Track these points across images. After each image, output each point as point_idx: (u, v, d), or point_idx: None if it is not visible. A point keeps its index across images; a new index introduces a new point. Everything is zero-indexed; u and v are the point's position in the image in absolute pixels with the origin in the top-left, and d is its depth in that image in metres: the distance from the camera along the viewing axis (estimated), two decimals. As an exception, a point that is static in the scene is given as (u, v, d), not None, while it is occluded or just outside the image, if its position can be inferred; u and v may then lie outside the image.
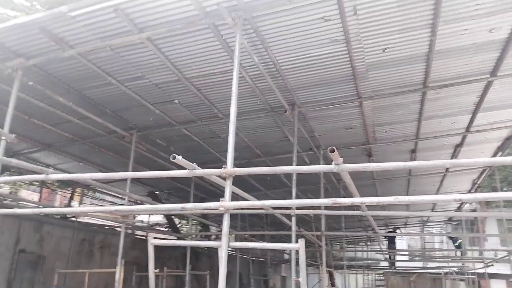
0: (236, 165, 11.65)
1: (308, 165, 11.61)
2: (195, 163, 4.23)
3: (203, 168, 4.47)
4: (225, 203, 4.00)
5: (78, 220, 13.84)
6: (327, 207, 9.49)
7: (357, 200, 3.57)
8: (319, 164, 9.90)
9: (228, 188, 4.14)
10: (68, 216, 13.24)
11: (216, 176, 4.43)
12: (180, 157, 3.93)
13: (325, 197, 10.63)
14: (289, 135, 9.15)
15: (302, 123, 8.88)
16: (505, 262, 14.49)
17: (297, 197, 14.87)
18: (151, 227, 17.79)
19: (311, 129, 9.29)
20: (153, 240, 4.42)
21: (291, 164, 7.83)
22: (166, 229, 16.92)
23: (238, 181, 12.56)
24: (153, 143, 9.76)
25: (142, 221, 18.61)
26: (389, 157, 11.44)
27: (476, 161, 4.32)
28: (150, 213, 15.82)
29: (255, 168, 4.23)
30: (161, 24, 5.39)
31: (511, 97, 8.08)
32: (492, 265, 15.93)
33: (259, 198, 15.54)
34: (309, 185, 13.74)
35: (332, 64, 6.58)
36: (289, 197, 7.49)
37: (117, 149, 10.21)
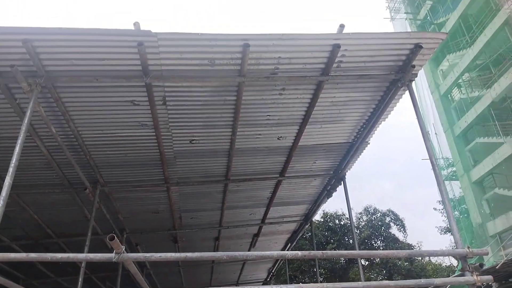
0: (22, 245, 9.92)
1: (109, 249, 10.73)
2: None
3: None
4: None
5: None
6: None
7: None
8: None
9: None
10: None
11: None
12: None
13: (123, 285, 9.85)
14: (89, 215, 8.40)
15: (105, 203, 8.34)
16: None
17: (94, 285, 13.40)
18: None
19: (116, 210, 8.78)
20: None
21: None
22: None
23: (22, 264, 10.68)
24: None
25: None
26: (195, 243, 11.60)
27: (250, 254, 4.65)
28: None
29: (19, 253, 3.56)
30: None
31: (296, 195, 9.46)
32: None
33: (47, 286, 13.30)
34: (109, 272, 12.61)
35: (141, 147, 6.58)
36: (84, 285, 6.65)
37: None
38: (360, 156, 7.67)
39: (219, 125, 6.26)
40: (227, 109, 5.86)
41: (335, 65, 5.21)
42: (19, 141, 4.18)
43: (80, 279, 6.44)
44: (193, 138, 6.53)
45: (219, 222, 10.27)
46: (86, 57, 4.56)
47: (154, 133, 6.19)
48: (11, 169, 4.00)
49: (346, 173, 8.20)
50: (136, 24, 4.24)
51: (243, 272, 15.38)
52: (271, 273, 16.21)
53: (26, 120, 4.30)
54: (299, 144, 6.92)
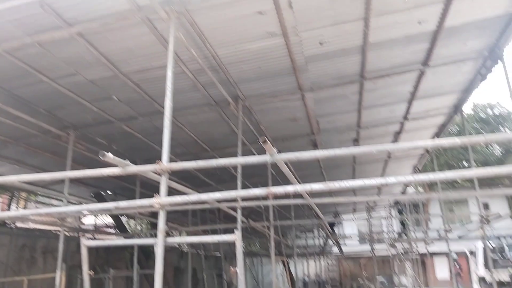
0: (184, 160, 11.49)
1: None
2: (127, 160, 4.09)
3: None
4: (160, 200, 3.92)
5: (17, 225, 13.04)
6: (276, 197, 9.64)
7: (289, 188, 3.65)
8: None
9: (164, 184, 4.06)
10: (5, 222, 12.43)
11: (153, 172, 4.32)
12: (110, 154, 3.78)
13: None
14: (235, 128, 9.14)
15: (248, 116, 8.89)
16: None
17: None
18: (97, 229, 17.18)
19: (257, 121, 9.33)
20: (86, 241, 4.26)
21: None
22: (114, 230, 16.42)
23: (188, 177, 12.52)
24: (93, 141, 9.35)
25: (82, 224, 18.02)
26: (334, 146, 11.62)
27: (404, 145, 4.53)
28: (86, 214, 15.26)
29: (190, 162, 4.18)
30: (92, 19, 5.14)
31: (443, 85, 8.57)
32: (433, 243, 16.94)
33: (209, 192, 15.55)
34: (259, 177, 13.87)
35: (272, 57, 6.61)
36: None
37: (54, 149, 9.68)
38: (523, 27, 6.38)
39: (350, 20, 5.81)
40: (357, -1, 5.36)
41: None
42: (169, 66, 4.58)
43: (238, 183, 7.25)
44: (323, 39, 6.26)
45: (357, 123, 10.08)
46: (210, -28, 4.55)
47: (284, 41, 6.10)
48: (168, 92, 4.47)
49: (504, 49, 6.98)
50: None
51: (386, 171, 15.28)
52: (417, 170, 15.73)
53: (171, 47, 4.65)
54: (445, 25, 6.05)
